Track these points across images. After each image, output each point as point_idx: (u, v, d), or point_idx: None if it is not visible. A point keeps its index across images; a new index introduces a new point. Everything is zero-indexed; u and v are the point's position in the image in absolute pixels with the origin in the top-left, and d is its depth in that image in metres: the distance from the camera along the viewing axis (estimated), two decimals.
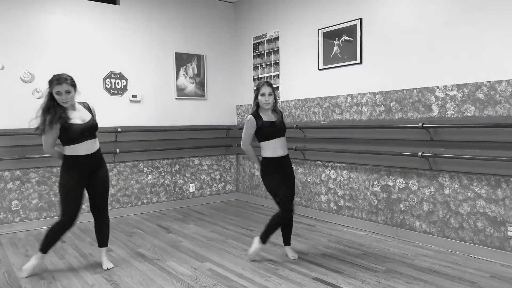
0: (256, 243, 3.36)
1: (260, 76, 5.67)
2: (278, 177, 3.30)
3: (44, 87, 4.54)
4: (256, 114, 3.31)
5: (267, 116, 3.32)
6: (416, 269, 3.13)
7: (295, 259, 3.41)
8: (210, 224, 4.66)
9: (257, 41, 5.72)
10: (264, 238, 3.32)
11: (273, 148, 3.29)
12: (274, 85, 5.44)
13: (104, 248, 3.33)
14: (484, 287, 2.80)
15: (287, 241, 3.49)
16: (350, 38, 4.36)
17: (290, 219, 3.44)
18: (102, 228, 3.30)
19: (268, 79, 5.51)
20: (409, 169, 3.87)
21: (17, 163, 4.48)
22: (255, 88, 3.35)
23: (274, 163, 3.31)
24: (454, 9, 3.48)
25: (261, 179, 3.39)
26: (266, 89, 3.24)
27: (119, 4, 5.17)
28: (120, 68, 5.16)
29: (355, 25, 4.28)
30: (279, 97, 5.36)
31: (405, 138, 3.84)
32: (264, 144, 3.30)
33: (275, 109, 3.38)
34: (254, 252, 3.37)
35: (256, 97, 3.31)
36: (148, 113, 5.38)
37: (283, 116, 3.42)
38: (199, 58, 5.82)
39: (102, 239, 3.32)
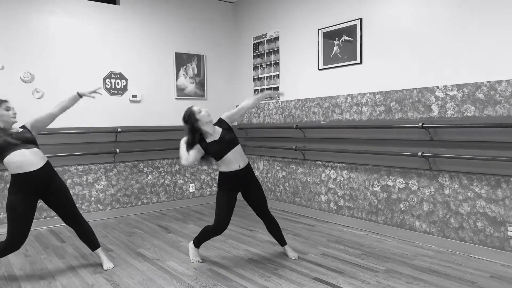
0: (191, 247, 3.44)
1: (260, 76, 5.67)
2: (226, 197, 3.21)
3: (44, 87, 4.60)
4: (200, 143, 3.14)
5: (211, 136, 3.15)
6: (416, 269, 3.13)
7: (295, 258, 3.40)
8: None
9: (257, 41, 5.72)
10: (197, 243, 3.42)
11: (228, 163, 3.17)
12: (274, 85, 5.49)
13: (99, 249, 3.33)
14: (484, 287, 2.80)
15: (282, 242, 3.48)
16: (350, 38, 4.36)
17: (272, 220, 3.41)
18: (84, 233, 3.27)
19: (268, 79, 5.51)
20: (409, 169, 3.87)
21: None
22: (186, 121, 3.13)
23: (229, 177, 3.22)
24: (454, 9, 3.48)
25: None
26: (198, 106, 3.15)
27: (119, 4, 5.17)
28: (120, 68, 5.16)
29: (355, 25, 4.28)
30: (280, 97, 5.35)
31: (405, 138, 3.84)
32: (219, 162, 3.21)
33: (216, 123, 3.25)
34: (192, 255, 3.42)
35: (194, 122, 3.07)
36: (148, 113, 5.38)
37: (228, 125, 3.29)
38: (199, 58, 5.82)
39: (91, 242, 3.30)
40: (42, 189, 3.03)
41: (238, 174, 3.21)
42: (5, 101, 3.05)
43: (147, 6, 5.36)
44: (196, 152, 3.13)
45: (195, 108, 3.13)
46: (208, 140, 3.16)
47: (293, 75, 5.15)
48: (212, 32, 5.95)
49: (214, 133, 3.17)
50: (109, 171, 5.10)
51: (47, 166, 3.05)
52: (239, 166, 3.20)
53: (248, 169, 3.29)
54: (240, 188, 3.29)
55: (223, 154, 3.15)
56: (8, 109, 3.03)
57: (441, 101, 3.59)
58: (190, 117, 3.10)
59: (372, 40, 4.15)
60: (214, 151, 3.16)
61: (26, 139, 3.00)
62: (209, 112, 3.16)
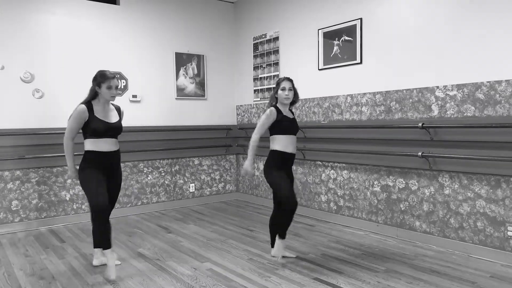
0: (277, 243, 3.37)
1: (260, 76, 5.67)
2: (283, 172, 3.29)
3: (44, 87, 4.60)
4: (276, 108, 3.29)
5: (285, 112, 3.32)
6: (416, 269, 3.13)
7: (295, 257, 3.40)
8: (210, 224, 4.66)
9: (257, 41, 5.72)
10: (283, 235, 3.36)
11: (285, 144, 3.27)
12: (274, 85, 5.46)
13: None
14: (484, 287, 2.80)
15: (282, 235, 3.37)
16: (350, 38, 4.36)
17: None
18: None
19: (268, 79, 5.51)
20: (409, 169, 3.87)
21: (17, 163, 4.48)
22: (275, 84, 3.34)
23: (282, 158, 3.28)
24: (454, 9, 3.48)
25: (263, 172, 3.33)
26: (286, 84, 3.26)
27: (119, 4, 5.17)
28: (120, 68, 5.16)
29: (355, 25, 4.28)
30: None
31: (405, 138, 3.84)
32: (278, 137, 3.28)
33: (290, 108, 3.42)
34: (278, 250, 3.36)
35: (276, 92, 3.29)
36: (148, 113, 5.38)
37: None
38: (199, 58, 5.82)
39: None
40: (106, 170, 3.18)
41: (288, 158, 3.32)
42: (109, 78, 3.05)
43: (147, 6, 5.36)
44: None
45: (285, 84, 3.28)
46: (283, 113, 3.32)
47: (293, 75, 5.11)
48: (212, 32, 5.95)
49: (286, 111, 3.36)
50: None
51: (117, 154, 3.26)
52: (293, 151, 3.32)
53: (294, 157, 3.38)
54: (285, 171, 3.33)
55: (287, 133, 3.29)
56: (109, 87, 3.06)
57: (441, 101, 3.59)
58: (278, 83, 3.32)
59: (372, 40, 4.15)
60: (284, 125, 3.29)
61: (117, 130, 3.21)
62: (289, 97, 3.30)
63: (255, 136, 3.29)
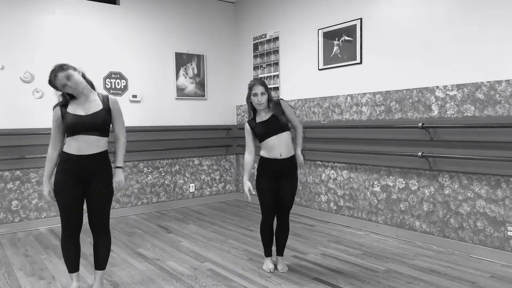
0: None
1: (260, 76, 5.67)
2: (267, 182, 3.06)
3: (45, 87, 4.59)
4: (250, 121, 3.11)
5: (261, 116, 3.07)
6: (416, 269, 3.13)
7: (283, 272, 3.14)
8: (210, 224, 4.66)
9: (257, 41, 5.72)
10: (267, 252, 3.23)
11: (268, 148, 3.03)
12: (274, 85, 5.48)
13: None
14: (484, 287, 2.80)
15: (278, 251, 3.22)
16: (350, 38, 4.36)
17: (284, 227, 3.15)
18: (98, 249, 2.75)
19: (268, 79, 5.51)
20: (409, 169, 3.87)
21: (17, 163, 4.48)
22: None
23: (264, 163, 3.07)
24: (454, 9, 3.48)
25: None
26: (258, 89, 2.97)
27: (119, 4, 5.17)
28: (120, 68, 5.16)
29: (355, 25, 4.28)
30: (279, 96, 5.35)
31: (405, 138, 3.84)
32: (261, 145, 3.07)
33: (269, 106, 3.05)
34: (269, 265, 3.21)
35: (248, 97, 3.05)
36: (148, 113, 5.38)
37: (284, 108, 3.09)
38: (199, 58, 5.82)
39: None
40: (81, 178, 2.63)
41: (277, 163, 3.04)
42: (61, 69, 2.47)
43: (147, 6, 5.36)
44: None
45: (256, 90, 2.98)
46: (257, 119, 3.09)
47: (293, 75, 5.15)
48: (212, 32, 5.95)
49: (262, 115, 3.08)
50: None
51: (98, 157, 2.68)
52: (280, 155, 3.02)
53: (288, 161, 3.08)
54: (273, 179, 3.07)
55: (266, 137, 3.02)
56: (64, 86, 2.49)
57: (441, 101, 3.59)
58: (249, 88, 3.05)
59: (372, 40, 4.15)
60: (258, 132, 3.06)
61: (93, 123, 2.57)
62: (262, 102, 3.00)
63: (246, 156, 3.16)
